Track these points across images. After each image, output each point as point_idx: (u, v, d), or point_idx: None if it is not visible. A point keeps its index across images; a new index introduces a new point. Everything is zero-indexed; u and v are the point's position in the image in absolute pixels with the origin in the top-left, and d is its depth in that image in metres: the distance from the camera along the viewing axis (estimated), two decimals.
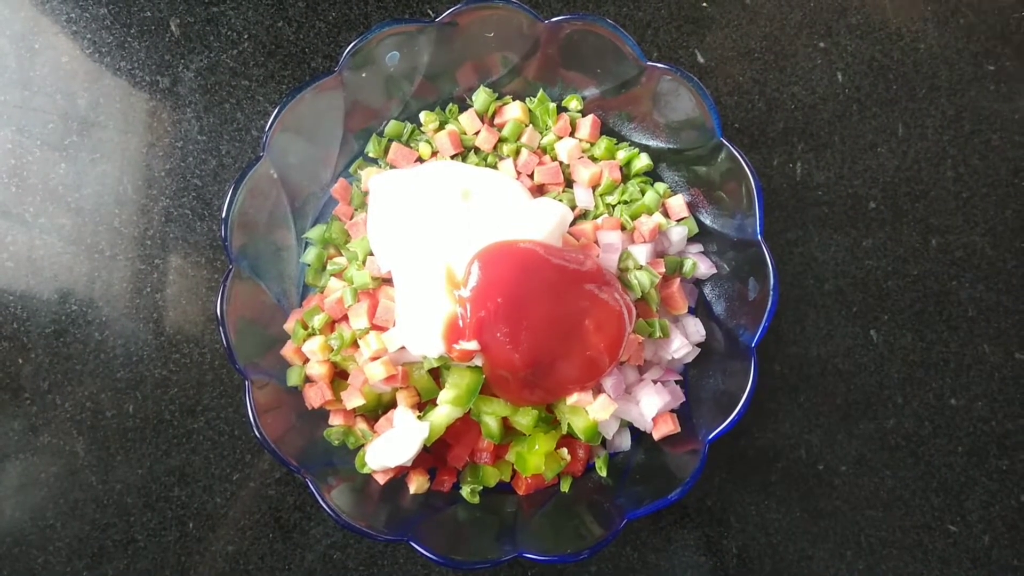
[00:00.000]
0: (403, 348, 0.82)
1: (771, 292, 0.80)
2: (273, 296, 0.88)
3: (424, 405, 0.85)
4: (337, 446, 0.87)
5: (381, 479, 0.85)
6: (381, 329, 0.84)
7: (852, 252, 1.00)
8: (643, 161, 0.92)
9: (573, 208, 0.90)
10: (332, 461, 0.85)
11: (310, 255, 0.90)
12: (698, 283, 0.93)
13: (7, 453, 0.94)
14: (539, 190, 0.92)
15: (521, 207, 0.83)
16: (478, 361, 0.80)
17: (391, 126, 0.93)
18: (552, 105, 0.93)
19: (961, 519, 0.98)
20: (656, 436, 0.87)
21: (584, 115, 0.94)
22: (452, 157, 0.92)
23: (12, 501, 0.93)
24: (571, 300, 0.79)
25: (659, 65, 0.83)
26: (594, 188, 0.92)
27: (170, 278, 0.96)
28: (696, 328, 0.90)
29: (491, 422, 0.83)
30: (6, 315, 0.95)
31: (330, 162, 0.92)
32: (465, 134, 0.93)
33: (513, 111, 0.92)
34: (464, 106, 0.95)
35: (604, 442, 0.89)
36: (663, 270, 0.88)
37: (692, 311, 0.93)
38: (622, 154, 0.93)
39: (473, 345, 0.77)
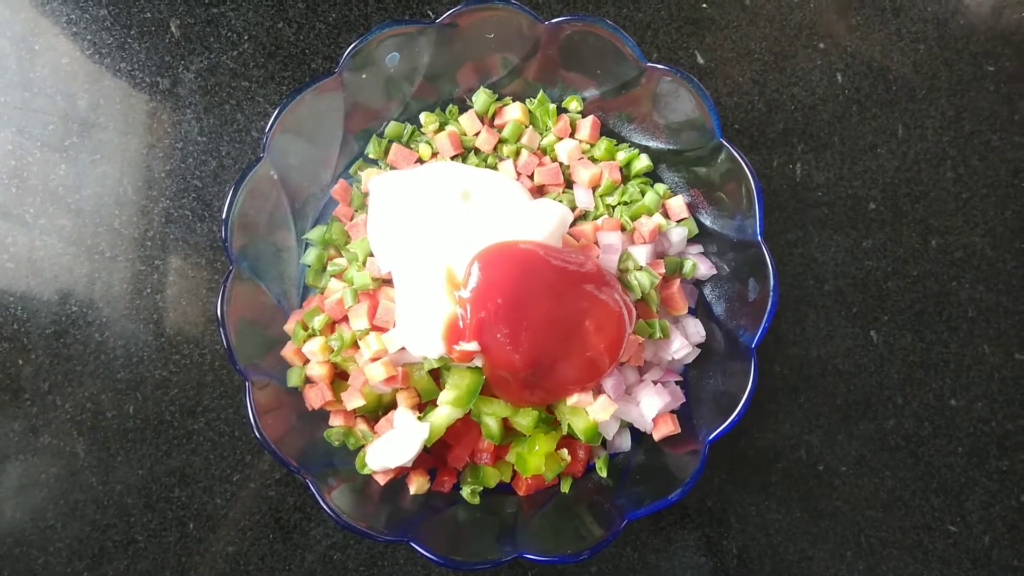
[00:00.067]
0: (403, 349, 0.82)
1: (771, 293, 0.80)
2: (273, 297, 0.88)
3: (424, 406, 0.85)
4: (337, 447, 0.87)
5: (381, 480, 0.85)
6: (381, 330, 0.84)
7: (852, 253, 1.00)
8: (643, 162, 0.92)
9: (573, 209, 0.90)
10: (332, 462, 0.85)
11: (310, 256, 0.90)
12: (698, 284, 0.93)
13: (7, 454, 0.94)
14: (539, 191, 0.92)
15: (521, 208, 0.83)
16: (478, 362, 0.80)
17: (391, 127, 0.93)
18: (552, 106, 0.93)
19: (961, 519, 0.98)
20: (656, 437, 0.87)
21: (584, 116, 0.94)
22: (452, 158, 0.92)
23: (12, 502, 0.93)
24: (571, 301, 0.79)
25: (659, 66, 0.83)
26: (594, 189, 0.92)
27: (170, 279, 0.96)
28: (696, 329, 0.90)
29: (491, 423, 0.83)
30: (6, 316, 0.95)
31: (330, 163, 0.92)
32: (465, 135, 0.93)
33: (513, 112, 0.92)
34: (464, 107, 0.95)
35: (604, 443, 0.89)
36: (663, 271, 0.88)
37: (692, 312, 0.93)
38: (622, 155, 0.93)
39: (473, 346, 0.77)
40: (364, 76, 0.86)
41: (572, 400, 0.82)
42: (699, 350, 0.91)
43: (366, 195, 0.91)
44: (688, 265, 0.90)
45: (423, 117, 0.94)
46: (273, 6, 1.00)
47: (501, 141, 0.93)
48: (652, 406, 0.85)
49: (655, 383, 0.87)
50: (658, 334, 0.86)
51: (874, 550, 0.97)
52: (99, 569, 0.93)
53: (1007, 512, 0.98)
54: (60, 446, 0.94)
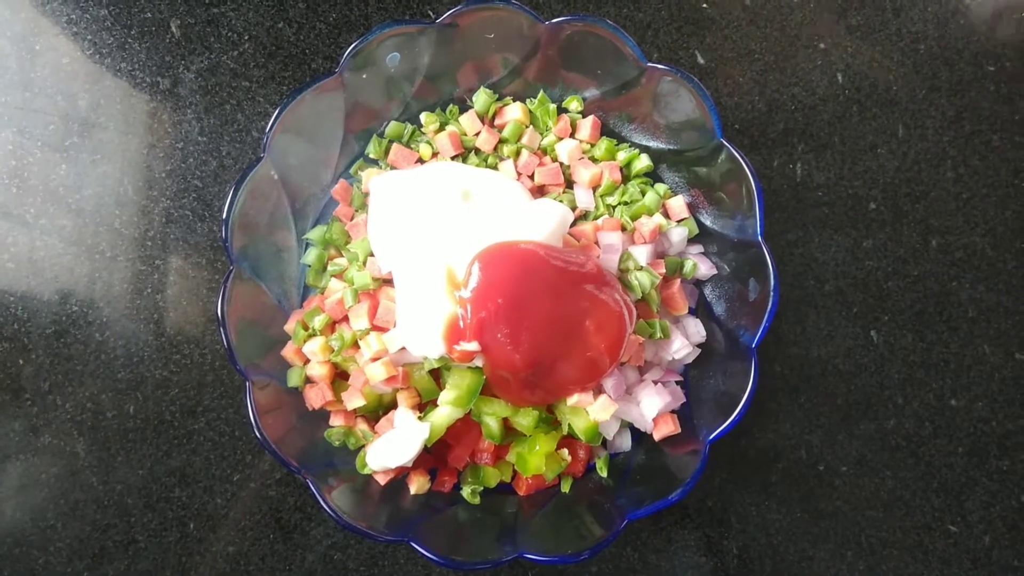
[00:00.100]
0: (404, 349, 0.82)
1: (771, 293, 0.80)
2: (274, 297, 0.88)
3: (425, 406, 0.85)
4: (338, 447, 0.87)
5: (382, 480, 0.85)
6: (382, 330, 0.84)
7: (852, 253, 1.00)
8: (643, 162, 0.92)
9: (573, 209, 0.90)
10: (333, 462, 0.85)
11: (311, 256, 0.90)
12: (698, 284, 0.93)
13: (8, 454, 0.94)
14: (539, 191, 0.92)
15: (521, 208, 0.83)
16: (479, 362, 0.80)
17: (392, 127, 0.93)
18: (552, 106, 0.93)
19: (962, 519, 0.98)
20: (657, 437, 0.87)
21: (584, 116, 0.94)
22: (452, 158, 0.92)
23: (13, 502, 0.93)
24: (572, 301, 0.79)
25: (659, 66, 0.83)
26: (594, 189, 0.92)
27: (171, 279, 0.97)
28: (696, 329, 0.90)
29: (492, 423, 0.83)
30: (7, 316, 0.96)
31: (331, 163, 0.92)
32: (466, 135, 0.93)
33: (513, 112, 0.92)
34: (464, 107, 0.95)
35: (605, 443, 0.89)
36: (663, 271, 0.88)
37: (692, 312, 0.93)
38: (622, 155, 0.93)
39: (474, 346, 0.77)
40: (364, 76, 0.86)
41: (572, 400, 0.82)
42: (699, 350, 0.91)
43: (366, 195, 0.91)
44: (688, 265, 0.90)
45: (423, 117, 0.94)
46: (273, 6, 1.00)
47: (501, 141, 0.93)
48: (652, 406, 0.85)
49: (655, 383, 0.88)
50: (658, 334, 0.86)
51: (874, 550, 0.97)
52: (99, 569, 0.93)
53: (1007, 512, 0.98)
54: (60, 446, 0.94)
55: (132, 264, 0.96)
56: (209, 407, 0.95)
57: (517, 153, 0.92)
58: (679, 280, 0.90)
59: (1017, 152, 1.02)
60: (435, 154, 0.93)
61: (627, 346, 0.81)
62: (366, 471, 0.84)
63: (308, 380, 0.87)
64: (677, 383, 0.90)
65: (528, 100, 0.94)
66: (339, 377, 0.87)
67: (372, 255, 0.86)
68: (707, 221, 0.92)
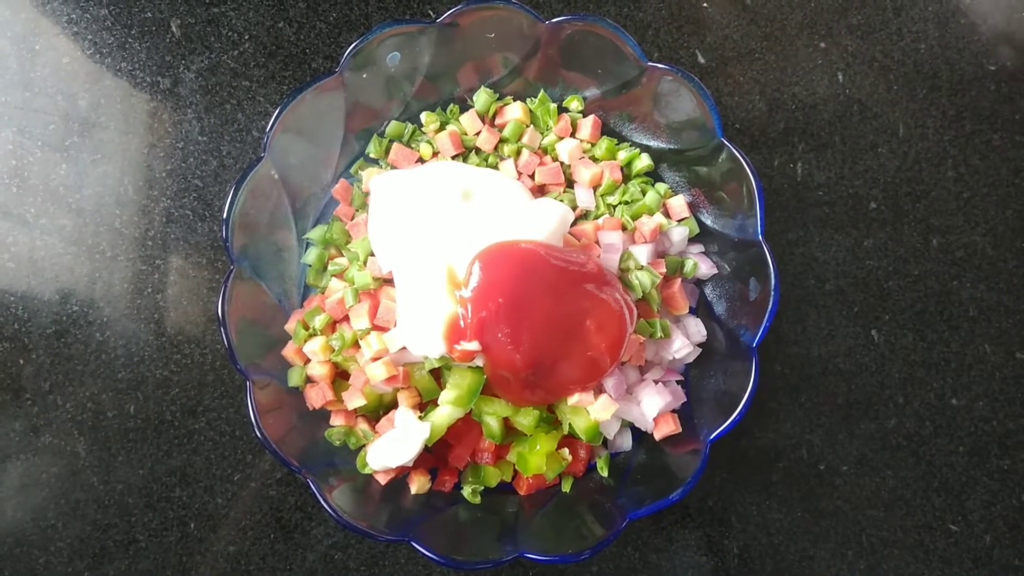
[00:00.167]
0: (404, 348, 0.82)
1: (772, 292, 0.80)
2: (274, 297, 0.88)
3: (425, 405, 0.85)
4: (338, 446, 0.87)
5: (382, 479, 0.85)
6: (382, 330, 0.84)
7: (853, 252, 1.00)
8: (644, 161, 0.92)
9: (574, 208, 0.90)
10: (333, 461, 0.85)
11: (311, 256, 0.90)
12: (699, 283, 0.93)
13: (8, 454, 0.94)
14: (540, 190, 0.92)
15: (522, 207, 0.83)
16: (479, 361, 0.80)
17: (392, 127, 0.93)
18: (553, 106, 0.93)
19: (962, 519, 0.98)
20: (657, 436, 0.87)
21: (585, 115, 0.94)
22: (453, 158, 0.92)
23: (13, 501, 0.93)
24: (572, 300, 0.79)
25: (660, 65, 0.83)
26: (595, 188, 0.92)
27: (171, 279, 0.96)
28: (697, 328, 0.90)
29: (492, 422, 0.83)
30: (7, 316, 0.96)
31: (331, 163, 0.92)
32: (466, 135, 0.93)
33: (514, 112, 0.92)
34: (465, 107, 0.95)
35: (605, 442, 0.89)
36: (664, 270, 0.88)
37: (693, 311, 0.93)
38: (623, 154, 0.93)
39: (474, 345, 0.77)
40: (365, 76, 0.86)
41: (573, 400, 0.82)
42: (700, 350, 0.90)
43: (367, 194, 0.91)
44: (689, 264, 0.90)
45: (424, 116, 0.94)
46: (274, 6, 1.00)
47: (502, 140, 0.93)
48: (653, 405, 0.85)
49: (656, 382, 0.87)
50: (659, 333, 0.86)
51: (875, 549, 0.97)
52: (100, 569, 0.93)
53: (1008, 511, 0.98)
54: (61, 446, 0.94)
55: (132, 264, 0.96)
56: (210, 407, 0.95)
57: (518, 153, 0.92)
58: (680, 279, 0.90)
59: (1018, 151, 1.02)
60: (435, 154, 0.93)
61: (628, 346, 0.81)
62: (367, 471, 0.84)
63: (309, 380, 0.87)
64: (678, 383, 0.90)
65: (528, 100, 0.94)
66: (340, 377, 0.87)
67: (372, 255, 0.86)
68: (708, 220, 0.91)
